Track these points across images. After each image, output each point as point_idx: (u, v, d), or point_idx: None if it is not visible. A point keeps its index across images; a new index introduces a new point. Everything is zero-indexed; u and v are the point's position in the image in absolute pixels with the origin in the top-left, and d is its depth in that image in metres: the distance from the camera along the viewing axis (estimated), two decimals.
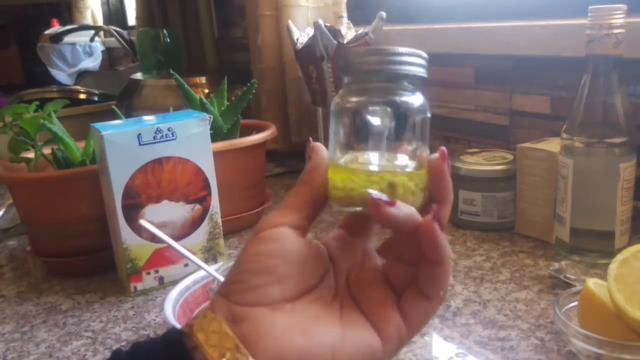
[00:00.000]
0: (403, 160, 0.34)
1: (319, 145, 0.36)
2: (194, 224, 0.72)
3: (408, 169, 0.34)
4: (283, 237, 0.33)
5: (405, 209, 0.32)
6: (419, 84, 0.34)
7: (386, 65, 0.33)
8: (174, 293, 0.60)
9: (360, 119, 0.34)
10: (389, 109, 0.33)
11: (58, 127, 0.77)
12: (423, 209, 0.33)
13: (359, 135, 0.34)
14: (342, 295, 0.36)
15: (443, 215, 0.34)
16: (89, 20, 2.54)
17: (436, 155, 0.34)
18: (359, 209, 0.33)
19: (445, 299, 0.35)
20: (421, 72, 0.34)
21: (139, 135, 0.65)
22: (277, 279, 0.33)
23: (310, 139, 0.38)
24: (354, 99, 0.34)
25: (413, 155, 0.34)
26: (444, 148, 0.34)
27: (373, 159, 0.34)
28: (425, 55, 0.34)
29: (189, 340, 0.31)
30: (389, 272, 0.36)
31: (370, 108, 0.34)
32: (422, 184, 0.33)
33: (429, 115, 0.34)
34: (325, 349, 0.32)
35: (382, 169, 0.33)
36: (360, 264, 0.37)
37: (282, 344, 0.31)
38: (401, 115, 0.33)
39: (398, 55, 0.33)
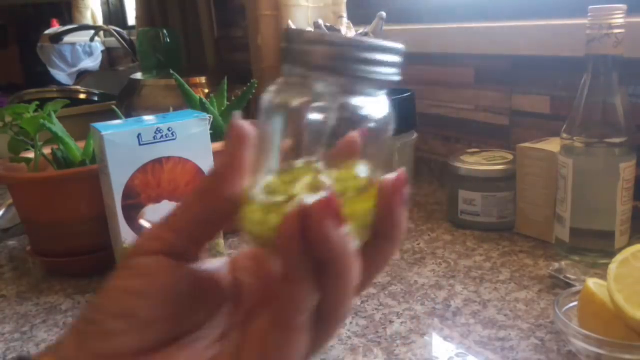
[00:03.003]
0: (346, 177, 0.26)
1: (246, 134, 0.27)
2: None
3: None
4: (152, 269, 0.26)
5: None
6: (388, 84, 0.26)
7: (345, 62, 0.24)
8: None
9: (299, 124, 0.26)
10: (337, 118, 0.26)
11: (58, 127, 0.77)
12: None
13: (298, 144, 0.27)
14: (236, 335, 0.28)
15: (389, 255, 0.27)
16: (89, 20, 2.54)
17: (392, 177, 0.25)
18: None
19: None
20: (392, 74, 0.26)
21: (139, 135, 0.65)
22: (136, 327, 0.26)
23: (236, 116, 0.28)
24: (294, 99, 0.27)
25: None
26: (402, 171, 0.26)
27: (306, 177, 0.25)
28: (399, 48, 0.26)
29: None
30: None
31: (313, 112, 0.26)
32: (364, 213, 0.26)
33: (390, 129, 0.26)
34: None
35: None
36: None
37: None
38: (355, 125, 0.26)
39: (362, 50, 0.24)
